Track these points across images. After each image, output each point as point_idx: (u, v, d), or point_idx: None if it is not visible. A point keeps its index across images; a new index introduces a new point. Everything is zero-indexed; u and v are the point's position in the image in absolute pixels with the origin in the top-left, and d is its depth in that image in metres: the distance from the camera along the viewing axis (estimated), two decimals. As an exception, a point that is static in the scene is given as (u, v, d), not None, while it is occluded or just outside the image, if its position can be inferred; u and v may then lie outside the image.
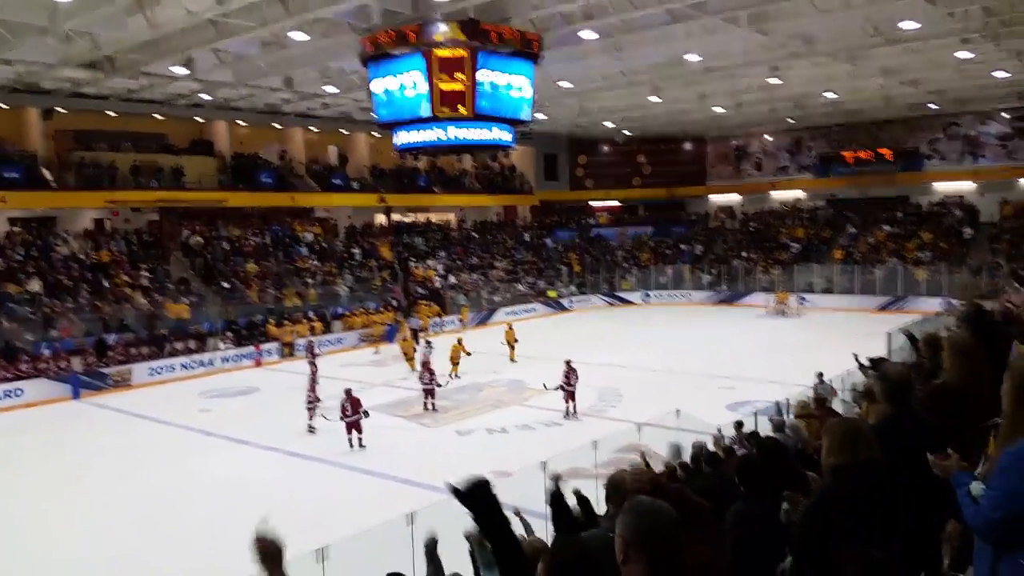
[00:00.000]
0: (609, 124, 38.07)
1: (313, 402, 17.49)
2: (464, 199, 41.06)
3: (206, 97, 27.92)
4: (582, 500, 6.61)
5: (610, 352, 24.94)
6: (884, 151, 38.15)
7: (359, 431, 15.98)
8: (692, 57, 22.73)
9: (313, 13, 17.23)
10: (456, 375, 22.10)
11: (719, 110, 33.70)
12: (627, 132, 41.39)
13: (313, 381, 18.18)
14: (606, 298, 39.12)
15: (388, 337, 29.10)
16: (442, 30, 17.66)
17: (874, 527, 3.02)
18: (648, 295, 39.12)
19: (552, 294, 37.76)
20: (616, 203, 46.40)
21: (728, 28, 19.28)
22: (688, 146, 44.51)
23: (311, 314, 29.19)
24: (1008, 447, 2.47)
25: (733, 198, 44.61)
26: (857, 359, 10.81)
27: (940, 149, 37.06)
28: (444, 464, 14.64)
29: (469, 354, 22.66)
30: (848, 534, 3.06)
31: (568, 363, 18.15)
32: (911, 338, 8.57)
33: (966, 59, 23.49)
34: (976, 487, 2.53)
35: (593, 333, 30.62)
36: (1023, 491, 2.36)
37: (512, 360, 24.28)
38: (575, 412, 17.78)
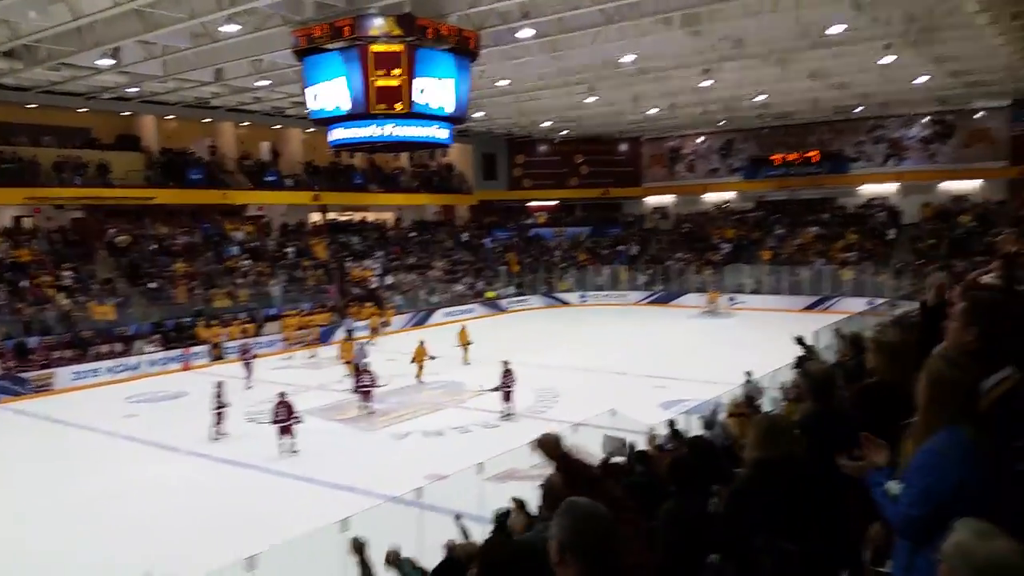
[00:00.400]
0: (546, 124, 38.23)
1: (220, 408, 17.00)
2: (401, 198, 40.66)
3: (133, 90, 26.97)
4: (519, 504, 6.59)
5: (548, 353, 25.05)
6: (811, 154, 39.27)
7: (291, 436, 15.64)
8: (626, 58, 22.99)
9: (244, 5, 16.81)
10: (421, 379, 21.73)
11: (653, 111, 34.19)
12: (564, 132, 41.65)
13: (220, 387, 17.31)
14: (544, 299, 39.29)
15: (323, 339, 28.63)
16: (378, 24, 17.41)
17: (790, 520, 3.05)
18: (585, 296, 39.43)
19: (491, 295, 37.71)
20: (554, 203, 46.64)
21: (661, 30, 19.56)
22: (624, 147, 45.04)
23: (243, 315, 28.50)
24: (923, 445, 2.51)
25: (667, 199, 45.32)
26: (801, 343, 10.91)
27: (865, 152, 38.34)
28: (379, 469, 14.50)
29: (433, 357, 22.26)
30: (764, 525, 3.09)
31: (506, 364, 18.14)
32: (841, 337, 8.80)
33: (889, 63, 24.33)
34: (894, 486, 2.57)
35: (531, 334, 30.69)
36: (940, 487, 2.40)
37: (466, 363, 23.79)
38: (512, 413, 17.77)
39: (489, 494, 10.20)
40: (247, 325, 27.89)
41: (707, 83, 27.04)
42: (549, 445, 3.17)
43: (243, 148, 35.26)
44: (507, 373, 17.97)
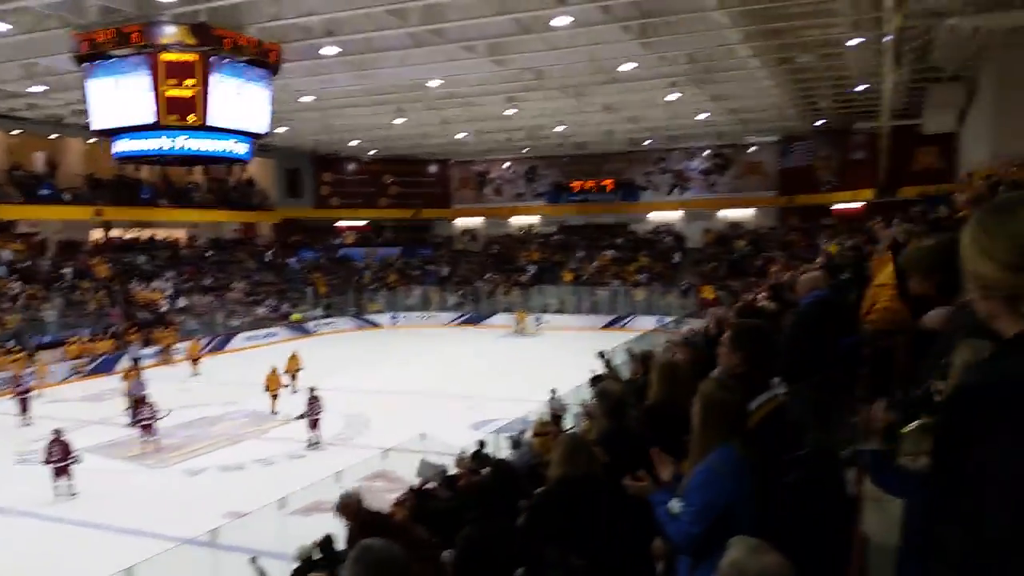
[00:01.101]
0: (354, 142, 37.69)
1: None
2: (196, 214, 38.15)
3: None
4: (323, 542, 6.36)
5: (357, 377, 24.56)
6: (606, 182, 41.83)
7: (68, 477, 14.14)
8: (433, 82, 23.22)
9: (15, 3, 15.17)
10: (275, 411, 19.99)
11: (461, 136, 34.79)
12: (373, 151, 41.28)
13: None
14: (354, 321, 38.53)
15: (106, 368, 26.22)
16: (169, 32, 16.36)
17: (585, 535, 3.18)
18: (396, 317, 39.15)
19: (296, 317, 36.37)
20: (364, 223, 46.00)
21: (467, 57, 19.95)
22: (433, 168, 45.39)
23: (11, 344, 25.43)
24: (699, 464, 2.72)
25: (476, 221, 46.21)
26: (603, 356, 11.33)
27: (654, 181, 41.32)
28: (171, 509, 13.46)
29: (285, 386, 20.69)
30: (558, 540, 3.19)
31: (312, 390, 17.54)
32: (632, 356, 9.35)
33: (674, 100, 26.46)
34: (675, 504, 2.75)
35: (340, 358, 29.92)
36: (715, 503, 2.60)
37: (293, 391, 21.33)
38: (319, 442, 17.20)
39: (292, 530, 9.77)
40: (18, 355, 24.91)
41: (511, 111, 27.97)
42: (349, 510, 3.02)
43: (14, 159, 31.60)
44: (313, 400, 17.37)
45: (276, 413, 19.90)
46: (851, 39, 18.51)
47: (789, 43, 19.62)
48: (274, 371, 20.83)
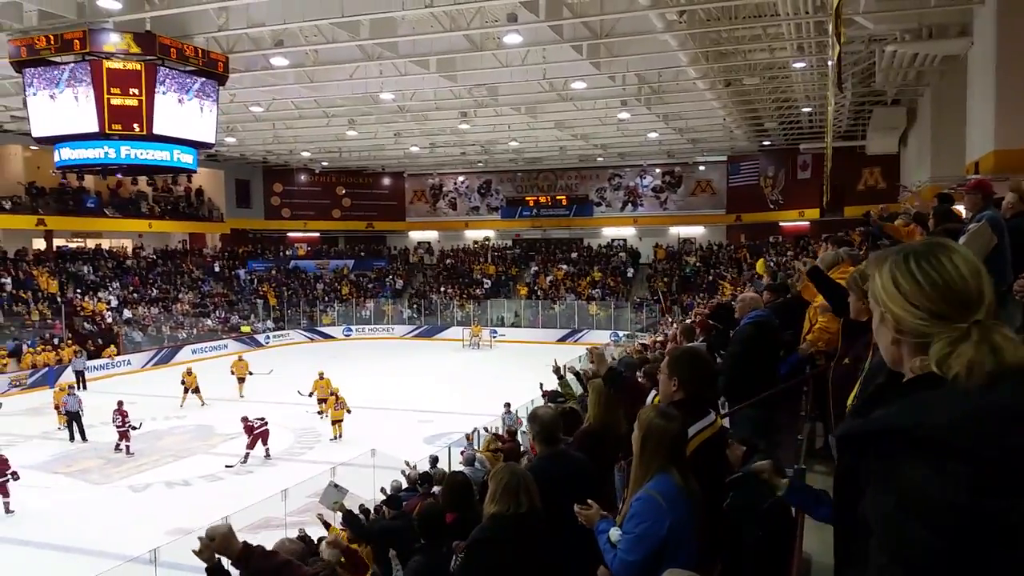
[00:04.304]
0: (306, 153, 37.31)
1: None
2: (142, 224, 37.30)
3: None
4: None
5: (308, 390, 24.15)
6: (560, 197, 42.17)
7: (5, 495, 13.69)
8: (386, 95, 23.15)
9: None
10: (338, 435, 18.70)
11: (415, 149, 34.71)
12: (325, 163, 40.92)
13: None
14: (306, 333, 38.05)
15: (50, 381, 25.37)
16: (113, 40, 16.06)
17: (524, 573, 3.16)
18: (350, 330, 38.82)
19: (246, 329, 35.77)
20: (315, 234, 45.52)
21: (419, 71, 19.95)
22: (387, 181, 45.18)
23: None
24: (637, 493, 2.76)
25: (431, 235, 46.12)
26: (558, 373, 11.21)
27: (606, 197, 41.80)
28: (114, 526, 13.11)
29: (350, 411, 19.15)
30: None
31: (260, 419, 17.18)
32: (576, 375, 9.42)
33: (625, 119, 26.82)
34: (615, 533, 2.78)
35: (291, 371, 29.42)
36: (651, 533, 2.64)
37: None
38: (267, 456, 17.00)
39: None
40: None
41: (464, 126, 28.01)
42: (220, 543, 2.74)
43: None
44: (253, 423, 16.99)
45: (339, 438, 18.56)
46: (796, 62, 19.02)
47: (736, 65, 20.06)
48: (337, 398, 19.21)
